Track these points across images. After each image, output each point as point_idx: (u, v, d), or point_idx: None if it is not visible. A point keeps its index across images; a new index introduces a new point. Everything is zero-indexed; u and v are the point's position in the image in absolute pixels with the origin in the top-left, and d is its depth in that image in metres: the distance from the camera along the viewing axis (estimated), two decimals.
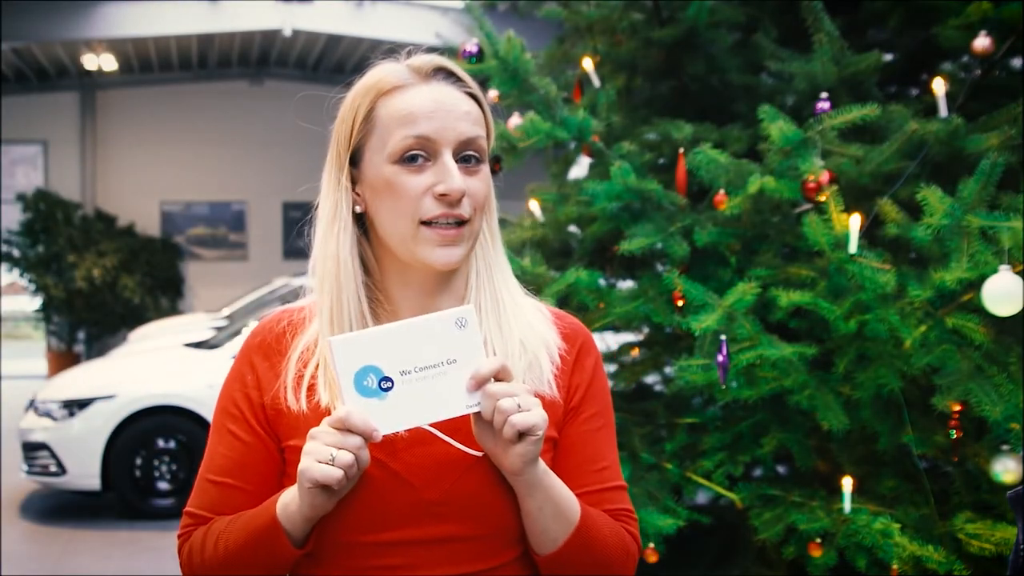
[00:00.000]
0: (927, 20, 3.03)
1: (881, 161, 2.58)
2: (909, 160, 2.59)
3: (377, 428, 1.02)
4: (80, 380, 6.18)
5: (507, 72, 2.83)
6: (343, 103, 1.19)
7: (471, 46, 2.94)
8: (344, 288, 1.16)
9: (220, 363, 6.06)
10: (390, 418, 1.03)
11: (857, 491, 2.53)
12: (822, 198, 2.44)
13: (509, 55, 2.81)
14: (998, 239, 2.22)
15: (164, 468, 5.96)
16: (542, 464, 1.10)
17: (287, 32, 10.95)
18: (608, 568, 1.17)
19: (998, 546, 2.34)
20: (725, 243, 2.70)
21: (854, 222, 2.37)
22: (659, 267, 3.11)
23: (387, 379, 1.03)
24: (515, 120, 2.86)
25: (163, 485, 5.96)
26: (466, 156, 1.15)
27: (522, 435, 1.04)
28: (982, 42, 2.62)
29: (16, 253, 12.60)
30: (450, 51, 3.09)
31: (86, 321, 12.66)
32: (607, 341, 3.35)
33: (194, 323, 9.44)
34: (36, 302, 12.82)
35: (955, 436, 2.38)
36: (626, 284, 3.09)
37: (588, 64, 3.14)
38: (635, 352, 3.37)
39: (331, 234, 1.17)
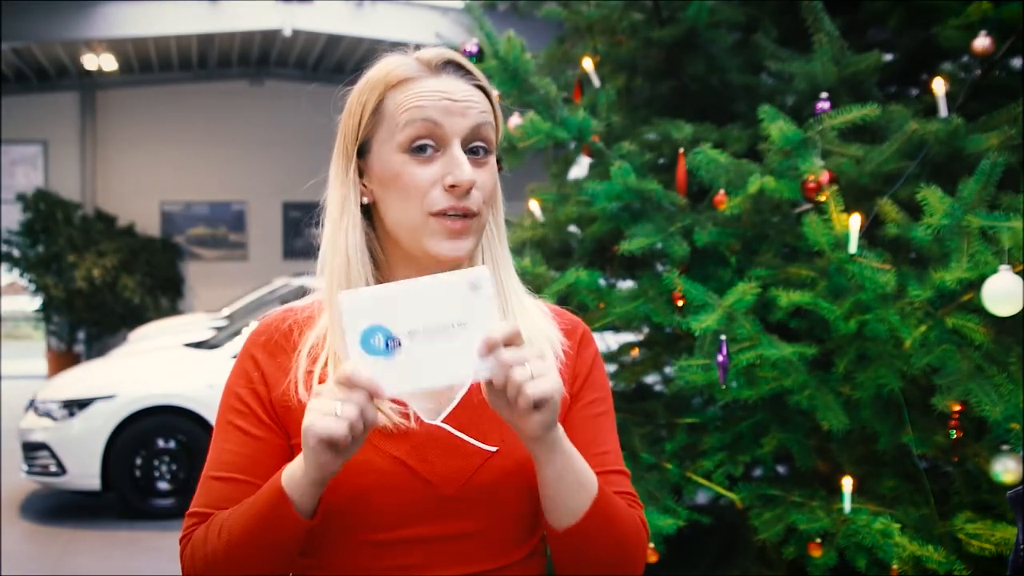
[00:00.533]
0: (927, 20, 3.03)
1: (881, 161, 2.58)
2: (909, 160, 2.59)
3: (383, 385, 0.98)
4: (80, 380, 6.18)
5: (507, 72, 2.83)
6: (350, 96, 1.18)
7: (471, 46, 2.94)
8: (353, 282, 1.15)
9: (220, 363, 6.07)
10: (397, 379, 0.99)
11: (857, 491, 2.53)
12: (822, 198, 2.44)
13: (509, 55, 2.81)
14: (998, 239, 2.21)
15: (164, 468, 5.97)
16: (560, 429, 1.06)
17: (287, 32, 10.95)
18: (623, 547, 1.13)
19: (998, 546, 2.34)
20: (725, 243, 2.70)
21: (854, 222, 2.37)
22: (659, 267, 3.11)
23: (395, 339, 0.99)
24: (515, 120, 2.86)
25: (163, 485, 5.96)
26: (475, 147, 1.15)
27: (537, 404, 1.00)
28: (982, 42, 2.61)
29: (16, 253, 12.60)
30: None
31: (86, 321, 12.66)
32: (607, 341, 3.35)
33: (194, 323, 9.45)
34: (36, 302, 12.82)
35: (955, 436, 2.38)
36: (626, 284, 3.08)
37: (588, 64, 3.13)
38: (635, 352, 3.36)
39: (340, 228, 1.17)
